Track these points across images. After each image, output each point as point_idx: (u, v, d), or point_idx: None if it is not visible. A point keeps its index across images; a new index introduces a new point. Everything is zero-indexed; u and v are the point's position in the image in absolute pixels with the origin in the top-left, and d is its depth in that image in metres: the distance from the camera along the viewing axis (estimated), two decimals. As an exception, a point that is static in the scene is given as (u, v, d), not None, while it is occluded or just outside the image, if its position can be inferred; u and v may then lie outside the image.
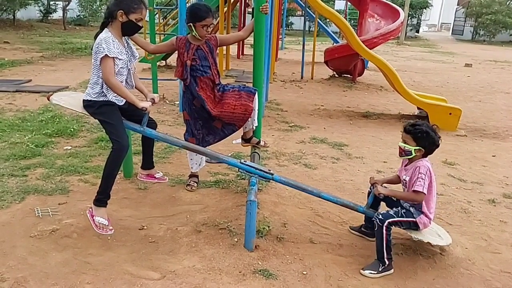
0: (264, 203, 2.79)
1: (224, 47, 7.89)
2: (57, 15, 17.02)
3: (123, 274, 2.02)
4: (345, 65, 8.13)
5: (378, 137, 4.74)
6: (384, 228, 2.16)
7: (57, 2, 16.90)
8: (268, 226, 2.45)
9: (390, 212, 2.24)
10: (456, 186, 3.41)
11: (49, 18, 17.02)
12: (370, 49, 5.78)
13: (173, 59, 8.50)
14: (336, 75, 8.59)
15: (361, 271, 2.16)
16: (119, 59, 2.09)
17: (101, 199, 2.12)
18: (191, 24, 2.60)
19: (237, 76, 7.85)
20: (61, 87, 6.17)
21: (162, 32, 7.56)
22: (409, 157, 2.25)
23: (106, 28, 2.11)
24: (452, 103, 5.77)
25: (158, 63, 6.91)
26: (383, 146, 4.38)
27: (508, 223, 2.80)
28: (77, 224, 2.44)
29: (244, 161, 2.45)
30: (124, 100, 2.21)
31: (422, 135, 2.18)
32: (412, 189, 2.18)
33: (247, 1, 10.95)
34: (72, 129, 4.11)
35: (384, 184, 2.43)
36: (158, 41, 6.34)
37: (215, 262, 2.14)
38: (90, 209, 2.11)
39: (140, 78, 7.26)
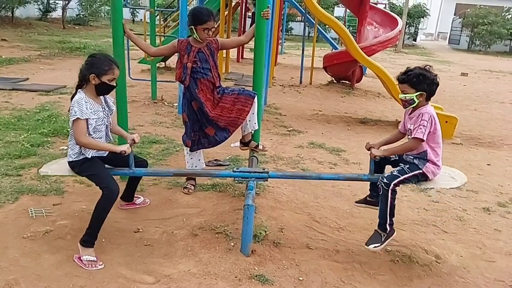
0: (261, 207, 2.78)
1: (224, 51, 7.90)
2: (57, 14, 16.97)
3: (117, 278, 2.00)
4: (344, 71, 8.18)
5: (375, 144, 4.75)
6: (390, 191, 2.09)
7: (57, 1, 16.85)
8: (265, 231, 2.44)
9: (394, 173, 2.16)
10: (452, 194, 3.43)
11: (48, 16, 16.95)
12: (369, 56, 5.81)
13: (172, 61, 8.50)
14: (335, 81, 8.63)
15: (365, 246, 2.13)
16: (93, 118, 2.17)
17: (89, 241, 2.13)
18: (193, 27, 2.62)
19: (236, 80, 7.86)
20: (58, 86, 6.14)
21: (162, 34, 7.56)
22: (413, 105, 2.17)
23: (80, 90, 2.19)
24: (448, 111, 5.81)
25: (157, 65, 6.90)
26: (380, 152, 4.40)
27: (503, 231, 2.81)
28: (71, 225, 2.41)
29: (237, 169, 2.46)
30: (106, 152, 2.28)
31: (418, 79, 2.10)
32: (413, 136, 2.11)
33: (247, 5, 11.02)
34: (68, 129, 4.07)
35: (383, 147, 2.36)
36: (158, 42, 6.34)
37: (211, 266, 2.13)
38: (76, 254, 2.12)
39: (140, 79, 7.18)
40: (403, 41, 19.90)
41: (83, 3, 17.33)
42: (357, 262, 2.29)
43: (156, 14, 6.05)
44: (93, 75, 2.13)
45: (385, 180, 2.13)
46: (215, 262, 2.16)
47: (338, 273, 2.19)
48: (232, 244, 2.32)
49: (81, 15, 17.51)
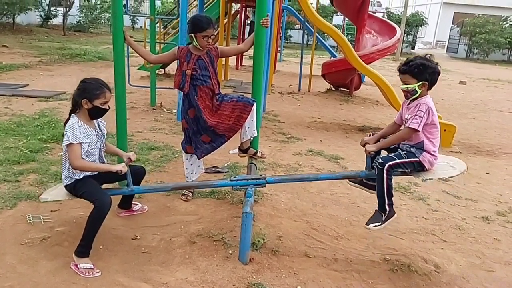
0: (260, 215, 2.77)
1: (224, 58, 7.95)
2: (57, 20, 17.09)
3: (114, 285, 1.98)
4: (342, 79, 8.23)
5: (374, 151, 4.76)
6: (385, 172, 2.07)
7: (57, 8, 17.00)
8: (263, 239, 2.43)
9: (390, 155, 2.15)
10: (451, 202, 3.43)
11: (49, 23, 17.07)
12: (367, 64, 5.86)
13: (172, 68, 8.54)
14: (333, 89, 8.68)
15: (365, 226, 2.11)
16: (86, 143, 2.21)
17: (84, 251, 2.15)
18: (192, 34, 2.65)
19: (235, 87, 7.90)
20: (58, 92, 6.15)
21: (162, 41, 7.61)
22: (415, 96, 2.16)
23: (73, 114, 2.24)
24: (446, 119, 5.83)
25: (157, 72, 6.94)
26: (379, 160, 4.40)
27: (502, 241, 2.81)
28: (68, 232, 2.40)
29: (234, 177, 2.46)
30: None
31: (419, 69, 2.10)
32: (407, 125, 2.10)
33: (246, 13, 11.13)
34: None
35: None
36: (158, 49, 6.38)
37: (209, 274, 2.11)
38: (73, 262, 2.13)
39: (139, 86, 7.20)
40: (401, 50, 20.06)
41: (83, 10, 17.49)
42: (355, 271, 2.28)
43: (156, 22, 6.11)
44: (85, 100, 2.17)
45: (380, 160, 2.12)
46: (212, 270, 2.15)
47: (337, 282, 2.18)
48: (230, 252, 2.30)
49: (81, 22, 17.64)
